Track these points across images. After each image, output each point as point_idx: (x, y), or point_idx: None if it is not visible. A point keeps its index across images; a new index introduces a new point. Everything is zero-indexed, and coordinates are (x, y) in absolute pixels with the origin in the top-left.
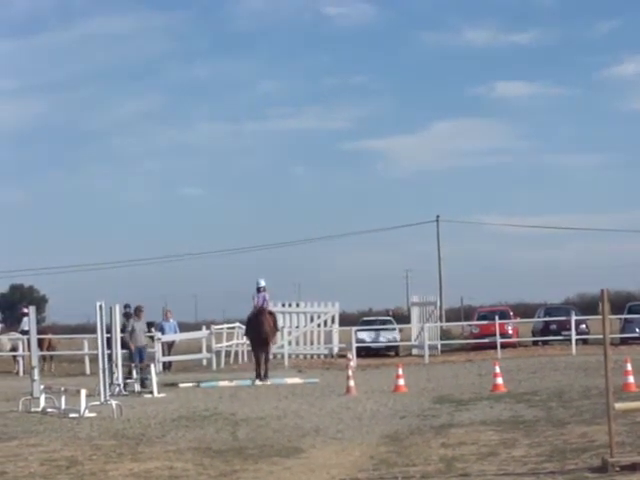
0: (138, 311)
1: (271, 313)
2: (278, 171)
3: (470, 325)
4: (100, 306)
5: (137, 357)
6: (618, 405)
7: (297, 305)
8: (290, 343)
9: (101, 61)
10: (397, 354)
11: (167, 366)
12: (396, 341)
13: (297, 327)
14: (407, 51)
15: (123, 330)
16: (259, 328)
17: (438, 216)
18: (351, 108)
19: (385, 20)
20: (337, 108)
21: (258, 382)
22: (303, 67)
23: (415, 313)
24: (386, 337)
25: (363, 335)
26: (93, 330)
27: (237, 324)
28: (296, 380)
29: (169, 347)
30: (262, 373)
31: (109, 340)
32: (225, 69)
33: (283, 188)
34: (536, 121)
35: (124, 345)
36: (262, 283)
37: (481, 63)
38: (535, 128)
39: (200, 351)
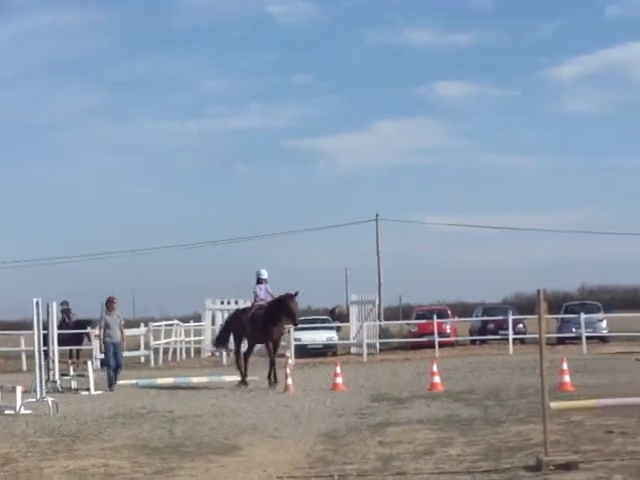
0: (110, 303)
1: None
2: (220, 169)
3: (408, 324)
4: (37, 303)
5: (111, 354)
6: (553, 404)
7: (236, 302)
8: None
9: (42, 56)
10: (335, 354)
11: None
12: (333, 341)
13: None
14: (350, 50)
15: (60, 327)
16: (272, 326)
17: (377, 215)
18: (294, 107)
19: (327, 19)
20: (280, 107)
21: (242, 385)
22: (246, 65)
23: (354, 312)
24: (324, 337)
25: (300, 335)
26: (31, 327)
27: (175, 321)
28: (235, 378)
29: None
30: (271, 376)
31: (46, 337)
32: (168, 66)
33: (224, 186)
34: (476, 121)
35: (65, 342)
36: (264, 274)
37: (422, 63)
38: (475, 128)
39: (138, 348)
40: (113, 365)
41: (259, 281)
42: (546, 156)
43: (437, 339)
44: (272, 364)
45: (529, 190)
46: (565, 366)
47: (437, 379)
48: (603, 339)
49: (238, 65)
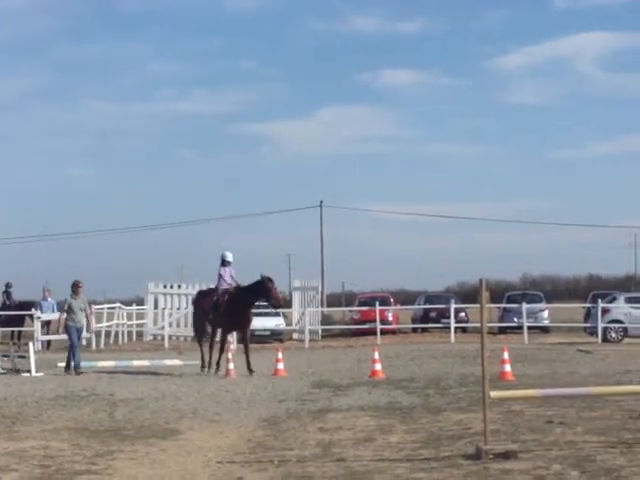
0: (75, 287)
1: None
2: (165, 153)
3: (351, 311)
4: None
5: (75, 338)
6: (494, 393)
7: (178, 287)
8: (171, 325)
9: None
10: (281, 341)
11: (45, 345)
12: (281, 327)
13: (178, 309)
14: (296, 37)
15: (2, 308)
16: (242, 310)
17: (322, 201)
18: (239, 92)
19: (274, 5)
20: (225, 92)
21: (207, 371)
22: (192, 50)
23: (297, 298)
24: (272, 323)
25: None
26: None
27: (118, 304)
28: (176, 362)
29: (47, 326)
30: (248, 363)
31: None
32: (114, 49)
33: (169, 170)
34: (422, 110)
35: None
36: (230, 257)
37: (369, 51)
38: (421, 117)
39: None
40: (76, 347)
41: (224, 263)
42: (491, 146)
43: (379, 326)
44: (247, 351)
45: (473, 180)
46: (506, 355)
47: (378, 366)
48: (544, 329)
49: (185, 49)
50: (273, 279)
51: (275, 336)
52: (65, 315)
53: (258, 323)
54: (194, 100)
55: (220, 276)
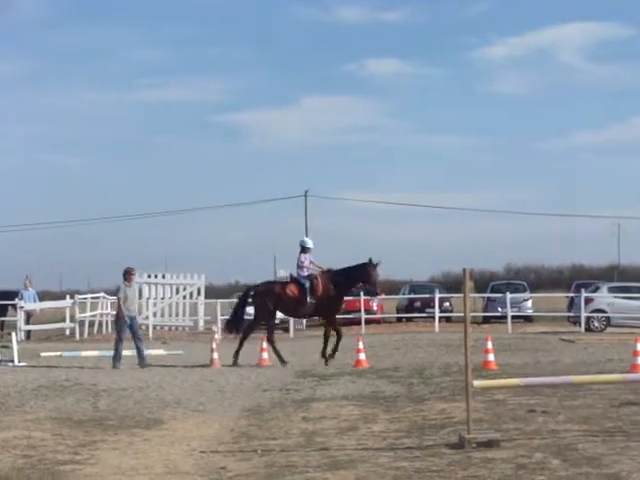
0: (128, 274)
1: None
2: (146, 141)
3: None
4: None
5: (127, 328)
6: (477, 383)
7: (163, 276)
8: (155, 314)
9: None
10: (288, 330)
11: (27, 335)
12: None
13: (162, 299)
14: (280, 26)
15: None
16: (340, 294)
17: (307, 191)
18: (223, 80)
19: None
20: (208, 80)
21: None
22: (174, 37)
23: None
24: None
25: (251, 309)
26: None
27: (102, 294)
28: (160, 352)
29: (28, 316)
30: (333, 348)
31: None
32: (93, 36)
33: (151, 159)
34: (406, 100)
35: None
36: (310, 243)
37: (353, 40)
38: (405, 107)
39: (63, 320)
40: (137, 339)
41: (304, 250)
42: (475, 136)
43: (363, 316)
44: (326, 338)
45: (458, 169)
46: (490, 345)
47: (362, 356)
48: (528, 319)
49: (166, 36)
50: (378, 264)
51: (283, 324)
52: (121, 304)
53: None
54: (177, 88)
55: (301, 263)
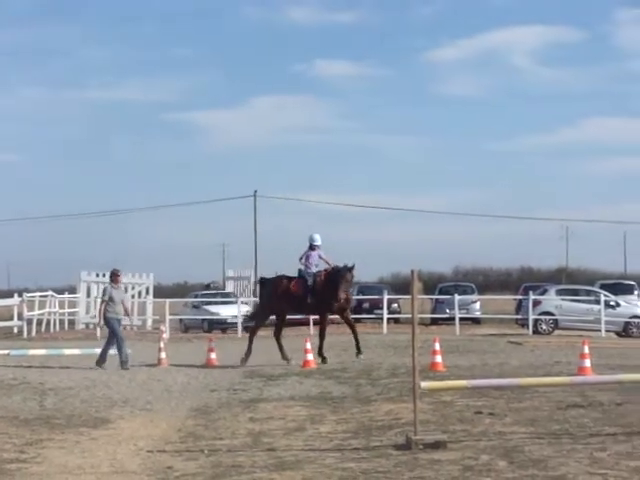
0: (115, 276)
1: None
2: (98, 140)
3: None
4: None
5: (120, 330)
6: (424, 384)
7: None
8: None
9: None
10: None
11: None
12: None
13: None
14: (231, 26)
15: None
16: (333, 293)
17: (256, 191)
18: (173, 80)
19: None
20: (159, 79)
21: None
22: (127, 36)
23: (230, 287)
24: (242, 311)
25: (218, 309)
26: None
27: (50, 292)
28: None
29: None
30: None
31: None
32: (46, 34)
33: (102, 157)
34: (356, 101)
35: None
36: (318, 240)
37: (304, 41)
38: (355, 108)
39: (11, 319)
40: (121, 341)
41: (312, 247)
42: (425, 138)
43: (312, 317)
44: (354, 333)
45: (407, 171)
46: (437, 346)
47: (310, 356)
48: (476, 321)
49: (119, 36)
50: (349, 272)
51: (245, 323)
52: (104, 306)
53: (229, 311)
54: (128, 87)
55: (307, 259)
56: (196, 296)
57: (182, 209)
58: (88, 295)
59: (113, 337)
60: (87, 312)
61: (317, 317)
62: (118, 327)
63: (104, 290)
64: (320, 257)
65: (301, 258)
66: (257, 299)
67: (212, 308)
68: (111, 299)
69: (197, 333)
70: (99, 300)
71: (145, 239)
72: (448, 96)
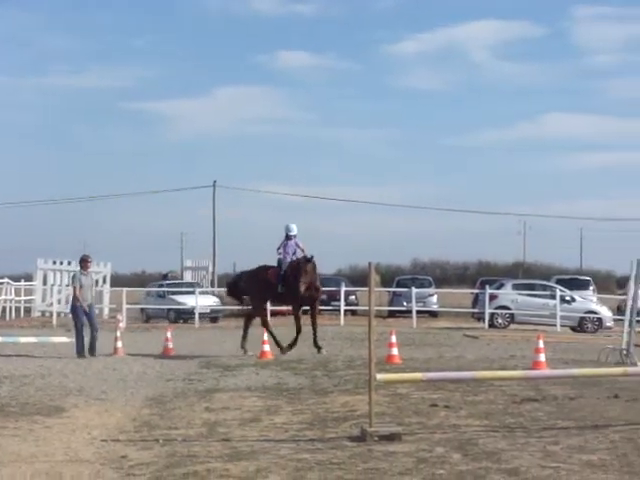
0: (84, 262)
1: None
2: (59, 128)
3: None
4: None
5: (83, 319)
6: (380, 376)
7: (69, 263)
8: (60, 302)
9: None
10: (217, 320)
11: None
12: (219, 306)
13: (67, 286)
14: (194, 15)
15: None
16: (295, 284)
17: (215, 181)
18: (135, 69)
19: None
20: (121, 68)
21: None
22: (88, 25)
23: (188, 277)
24: (211, 301)
25: (186, 299)
26: None
27: (6, 280)
28: (63, 339)
29: None
30: (294, 342)
31: None
32: (4, 22)
33: (62, 146)
34: (317, 93)
35: None
36: (294, 230)
37: (266, 32)
38: (316, 100)
39: None
40: (91, 328)
41: (288, 237)
42: (385, 131)
43: (269, 307)
44: (314, 329)
45: (366, 164)
46: (394, 339)
47: (267, 347)
48: (433, 314)
49: (80, 24)
50: (308, 263)
51: (215, 313)
52: (75, 293)
53: (198, 301)
54: (89, 75)
55: (284, 248)
56: (160, 285)
57: (141, 198)
58: (44, 283)
59: (91, 325)
60: (43, 300)
61: (278, 308)
62: (82, 316)
63: (73, 277)
64: (297, 246)
65: (279, 248)
66: (207, 288)
67: (179, 298)
68: (81, 286)
69: (161, 323)
70: (56, 288)
71: (103, 228)
72: (408, 89)
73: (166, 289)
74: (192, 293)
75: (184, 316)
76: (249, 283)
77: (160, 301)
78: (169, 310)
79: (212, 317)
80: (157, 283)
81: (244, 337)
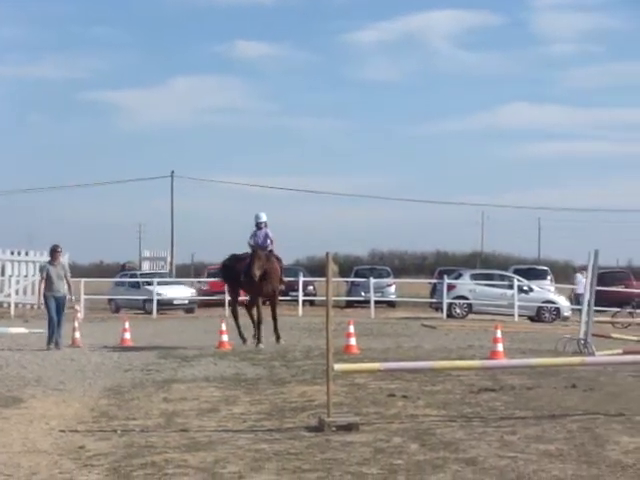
0: (54, 252)
1: (278, 259)
2: (14, 118)
3: (200, 282)
4: None
5: (54, 311)
6: (337, 366)
7: (26, 254)
8: (17, 292)
9: None
10: (193, 310)
11: None
12: (195, 297)
13: (25, 276)
14: (149, 5)
15: None
16: (266, 274)
17: (173, 172)
18: (91, 59)
19: None
20: (77, 58)
21: (259, 345)
22: (43, 14)
23: (146, 267)
24: (188, 292)
25: (163, 290)
26: None
27: None
28: (21, 330)
29: None
30: (259, 335)
31: None
32: None
33: (17, 136)
34: (276, 83)
35: None
36: (263, 217)
37: (223, 21)
38: (274, 90)
39: None
40: (56, 320)
41: (258, 225)
42: (343, 120)
43: (227, 298)
44: (274, 320)
45: (324, 154)
46: (352, 329)
47: (225, 338)
48: (391, 304)
49: (35, 13)
50: (260, 250)
51: (191, 304)
52: (43, 285)
53: (175, 292)
54: (44, 65)
55: (253, 237)
56: (132, 276)
57: (99, 188)
58: (2, 274)
59: (58, 316)
60: (1, 291)
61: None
62: (53, 307)
63: (41, 268)
64: (267, 236)
65: (250, 238)
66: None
67: (159, 289)
68: (49, 277)
69: (133, 314)
70: (14, 279)
71: (61, 218)
72: (367, 79)
73: (141, 279)
74: (169, 284)
75: (161, 307)
76: (229, 270)
77: (133, 292)
78: (144, 301)
79: (188, 308)
80: (127, 273)
81: (238, 327)
